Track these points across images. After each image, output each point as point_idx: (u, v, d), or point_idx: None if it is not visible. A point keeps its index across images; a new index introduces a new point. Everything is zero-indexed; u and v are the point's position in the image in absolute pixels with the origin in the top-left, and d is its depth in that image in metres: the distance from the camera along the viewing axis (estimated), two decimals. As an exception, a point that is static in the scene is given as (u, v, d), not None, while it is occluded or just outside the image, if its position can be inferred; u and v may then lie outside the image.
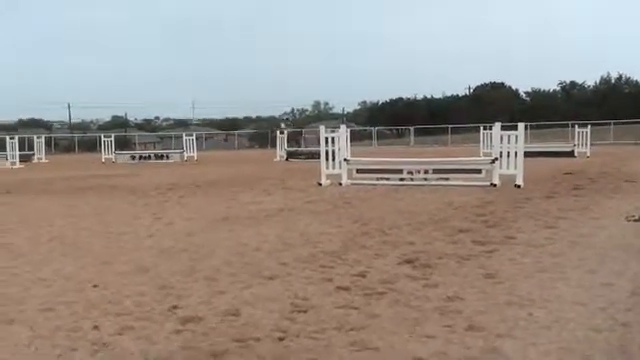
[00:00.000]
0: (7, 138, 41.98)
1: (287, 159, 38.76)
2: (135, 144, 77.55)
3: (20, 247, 10.17)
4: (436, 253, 8.72)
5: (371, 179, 19.28)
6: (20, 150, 41.98)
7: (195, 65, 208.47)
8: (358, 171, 19.88)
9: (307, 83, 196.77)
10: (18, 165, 38.38)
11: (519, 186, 17.62)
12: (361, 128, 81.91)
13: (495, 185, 17.84)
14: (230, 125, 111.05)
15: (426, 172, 19.08)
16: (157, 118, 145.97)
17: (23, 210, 15.27)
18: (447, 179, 18.55)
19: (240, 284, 7.24)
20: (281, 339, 5.35)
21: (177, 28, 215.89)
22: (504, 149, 18.89)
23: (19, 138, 43.36)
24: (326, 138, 20.36)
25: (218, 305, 6.39)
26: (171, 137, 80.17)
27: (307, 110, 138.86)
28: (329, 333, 5.45)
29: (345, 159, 19.79)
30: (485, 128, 39.05)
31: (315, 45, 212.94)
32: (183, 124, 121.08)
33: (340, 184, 19.01)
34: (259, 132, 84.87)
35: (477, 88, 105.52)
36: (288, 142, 44.49)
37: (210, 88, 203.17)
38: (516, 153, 18.54)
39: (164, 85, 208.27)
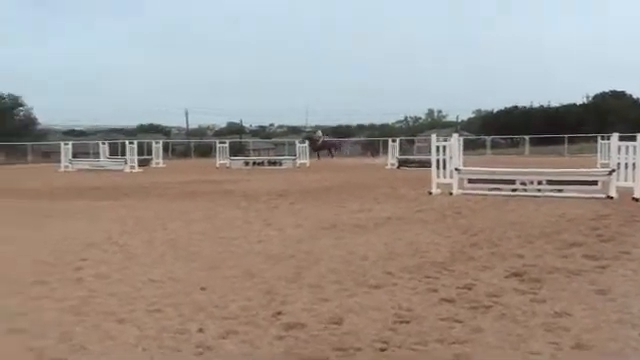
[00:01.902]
0: (127, 143, 43.14)
1: (398, 167, 38.59)
2: (249, 150, 78.49)
3: (135, 249, 10.47)
4: (546, 267, 8.55)
5: (482, 189, 19.02)
6: (139, 155, 43.10)
7: (310, 72, 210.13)
8: (469, 181, 19.63)
9: (420, 91, 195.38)
10: (137, 169, 39.36)
11: (637, 199, 17.09)
12: (475, 137, 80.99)
13: (612, 198, 17.35)
14: (343, 132, 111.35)
15: (539, 183, 18.69)
16: (272, 125, 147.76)
17: (140, 213, 15.67)
18: (561, 190, 18.14)
19: (345, 292, 7.27)
20: (382, 350, 5.35)
21: (292, 35, 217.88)
22: (622, 160, 18.35)
23: (138, 143, 44.53)
24: (437, 147, 20.21)
25: (322, 312, 6.43)
26: (284, 144, 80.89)
27: (420, 118, 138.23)
28: (431, 346, 5.42)
29: (456, 168, 19.60)
30: (603, 138, 38.05)
31: (428, 52, 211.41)
32: (297, 131, 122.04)
33: (451, 193, 18.83)
34: (371, 140, 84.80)
35: (596, 96, 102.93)
36: (400, 150, 44.34)
37: (324, 96, 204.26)
38: (634, 165, 18.00)
39: (279, 92, 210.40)
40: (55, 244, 11.02)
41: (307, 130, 79.32)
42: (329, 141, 56.67)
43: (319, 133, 52.64)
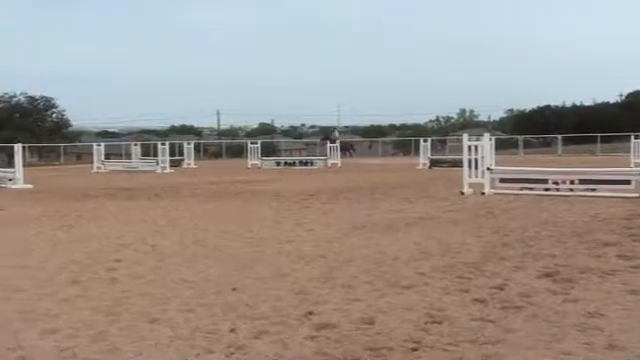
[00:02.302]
0: (159, 144, 43.40)
1: (430, 167, 38.49)
2: (281, 150, 78.57)
3: (167, 249, 10.55)
4: (578, 267, 8.48)
5: (514, 189, 18.89)
6: (171, 155, 43.33)
7: (340, 73, 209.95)
8: (501, 180, 19.53)
9: (453, 90, 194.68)
10: (168, 170, 39.56)
11: (671, 198, 16.91)
12: (507, 136, 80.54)
13: (645, 197, 17.18)
14: (375, 132, 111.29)
15: (572, 182, 18.53)
16: (303, 125, 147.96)
17: (171, 214, 15.76)
18: (594, 190, 17.97)
19: (376, 292, 7.27)
20: (414, 350, 5.34)
21: (322, 36, 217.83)
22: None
23: (170, 144, 44.78)
24: (469, 146, 20.13)
25: (353, 313, 6.43)
26: (316, 144, 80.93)
27: (452, 118, 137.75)
28: (463, 346, 5.40)
29: (488, 168, 19.50)
30: (637, 137, 37.73)
31: (461, 52, 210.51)
32: (328, 131, 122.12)
33: (483, 193, 18.74)
34: (403, 139, 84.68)
35: (630, 95, 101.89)
36: (432, 149, 44.19)
37: (356, 96, 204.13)
38: (668, 164, 17.81)
39: (310, 93, 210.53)
40: (88, 244, 11.12)
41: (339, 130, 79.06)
42: (346, 142, 56.47)
43: (336, 134, 52.21)
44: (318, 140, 49.97)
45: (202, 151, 69.61)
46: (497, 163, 21.23)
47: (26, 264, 9.44)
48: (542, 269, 8.37)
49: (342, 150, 49.07)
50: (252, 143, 47.36)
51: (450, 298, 6.97)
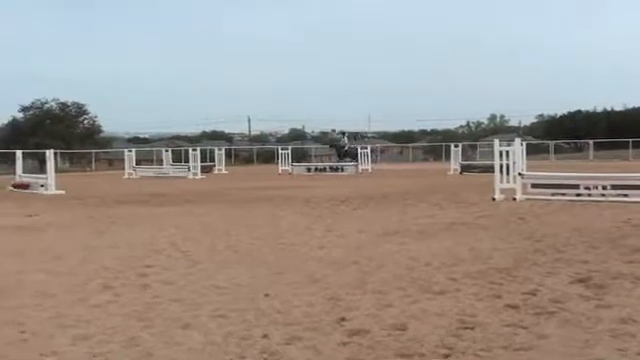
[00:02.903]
0: (190, 150, 43.60)
1: (461, 172, 38.37)
2: (311, 156, 78.60)
3: (198, 255, 10.58)
4: (611, 273, 8.41)
5: (546, 194, 18.77)
6: (202, 161, 43.53)
7: (371, 78, 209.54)
8: (533, 186, 19.41)
9: (483, 95, 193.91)
10: (199, 176, 39.72)
11: None
12: (538, 141, 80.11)
13: (679, 202, 17.00)
14: (405, 138, 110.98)
15: (604, 187, 18.39)
16: (333, 131, 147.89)
17: (203, 219, 15.82)
18: (626, 195, 17.83)
19: (408, 298, 7.24)
20: (446, 356, 5.31)
21: (353, 41, 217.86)
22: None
23: (201, 150, 44.98)
24: (500, 152, 20.04)
25: (385, 319, 6.42)
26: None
27: (483, 123, 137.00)
28: (496, 352, 5.37)
29: (519, 173, 19.39)
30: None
31: (490, 56, 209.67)
32: (333, 136, 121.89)
33: (514, 199, 18.63)
34: (434, 145, 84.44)
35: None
36: (463, 155, 44.02)
37: (385, 101, 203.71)
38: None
39: (341, 99, 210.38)
40: (120, 250, 11.19)
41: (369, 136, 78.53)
42: (354, 148, 56.15)
43: (345, 140, 51.63)
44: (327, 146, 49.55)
45: (233, 157, 69.84)
46: (528, 168, 21.08)
47: (58, 270, 9.51)
48: (574, 275, 8.31)
49: (347, 156, 48.89)
50: (283, 149, 47.48)
51: (482, 304, 6.93)
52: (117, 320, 6.64)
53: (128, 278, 8.77)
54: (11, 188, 29.52)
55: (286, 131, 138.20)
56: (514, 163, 19.64)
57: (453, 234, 12.30)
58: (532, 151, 49.86)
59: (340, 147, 49.76)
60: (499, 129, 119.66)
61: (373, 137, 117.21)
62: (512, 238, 11.61)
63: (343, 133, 54.42)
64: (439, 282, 8.05)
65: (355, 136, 58.63)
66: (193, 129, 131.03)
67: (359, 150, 46.85)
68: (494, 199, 18.95)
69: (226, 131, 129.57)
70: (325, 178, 37.00)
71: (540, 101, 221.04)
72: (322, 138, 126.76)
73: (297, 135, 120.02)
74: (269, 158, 68.39)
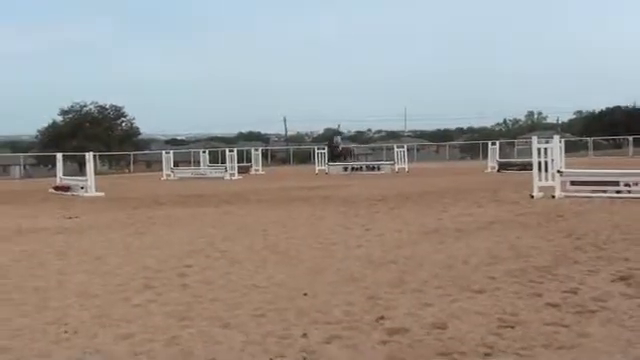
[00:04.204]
0: (227, 151, 43.80)
1: (499, 170, 38.13)
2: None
3: (237, 254, 10.63)
4: (653, 270, 8.33)
5: (586, 191, 18.60)
6: (239, 162, 43.71)
7: (407, 78, 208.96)
8: (572, 183, 19.24)
9: (520, 92, 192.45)
10: (236, 176, 39.88)
11: None
12: (576, 138, 79.40)
13: None
14: (442, 136, 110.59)
15: (645, 184, 18.19)
16: (369, 130, 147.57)
17: (241, 219, 15.89)
18: (667, 192, 17.62)
19: (447, 297, 7.23)
20: (487, 355, 5.29)
21: (387, 39, 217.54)
22: None
23: (238, 151, 45.19)
24: (538, 149, 19.91)
25: (425, 317, 6.41)
26: (382, 149, 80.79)
27: (520, 120, 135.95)
28: (537, 350, 5.34)
29: (558, 170, 19.24)
30: None
31: (529, 54, 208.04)
32: (395, 136, 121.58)
33: (553, 196, 18.48)
34: (471, 143, 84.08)
35: None
36: (500, 153, 43.77)
37: (422, 100, 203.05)
38: None
39: (376, 97, 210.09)
40: (160, 251, 11.27)
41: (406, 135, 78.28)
42: (346, 148, 55.93)
43: (338, 139, 51.60)
44: (325, 147, 49.46)
45: (269, 157, 70.01)
46: (567, 166, 20.94)
47: (100, 270, 9.61)
48: (616, 273, 8.23)
49: (341, 156, 48.89)
50: (319, 149, 47.46)
51: (522, 302, 6.90)
52: (158, 319, 6.70)
53: (168, 278, 8.84)
54: (52, 190, 29.84)
55: (321, 131, 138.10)
56: (553, 160, 19.52)
57: (492, 232, 12.24)
58: (570, 148, 49.51)
59: (334, 147, 49.77)
60: (536, 126, 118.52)
61: (409, 136, 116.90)
62: (552, 236, 11.53)
63: (339, 133, 54.59)
64: (478, 281, 8.02)
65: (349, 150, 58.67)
66: (229, 130, 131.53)
67: (355, 151, 47.05)
68: (533, 197, 18.82)
69: (262, 132, 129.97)
70: (362, 177, 36.97)
71: (578, 97, 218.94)
72: (358, 137, 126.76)
73: (333, 134, 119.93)
74: (305, 158, 68.40)
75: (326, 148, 48.70)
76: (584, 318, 6.24)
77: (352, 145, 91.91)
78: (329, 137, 55.35)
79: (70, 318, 6.84)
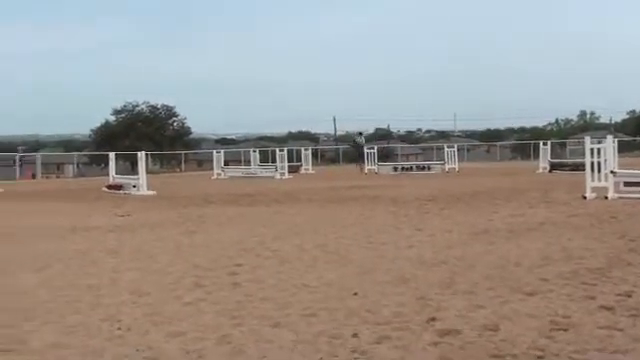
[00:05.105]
0: (277, 150, 43.93)
1: (550, 171, 37.72)
2: (397, 155, 78.32)
3: (287, 254, 10.66)
4: None
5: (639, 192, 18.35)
6: (288, 161, 43.78)
7: (457, 77, 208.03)
8: (625, 184, 18.97)
9: (572, 92, 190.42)
10: (287, 176, 39.98)
11: None
12: (630, 138, 78.26)
13: None
14: (492, 136, 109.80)
15: (701, 185, 17.89)
16: (419, 130, 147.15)
17: (291, 219, 15.93)
18: None
19: (499, 299, 7.17)
20: (539, 357, 5.25)
21: (439, 39, 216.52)
22: None
23: (288, 150, 45.29)
24: (591, 149, 19.67)
25: (476, 319, 6.37)
26: (433, 149, 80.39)
27: (572, 120, 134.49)
28: (590, 354, 5.28)
29: (611, 171, 18.99)
30: None
31: (581, 53, 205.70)
32: (445, 136, 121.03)
33: (606, 197, 18.24)
34: (521, 143, 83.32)
35: None
36: (552, 153, 43.28)
37: (472, 99, 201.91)
38: None
39: (426, 98, 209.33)
40: (210, 249, 11.34)
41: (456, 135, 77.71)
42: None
43: (362, 139, 50.40)
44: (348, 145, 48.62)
45: (319, 157, 70.08)
46: (620, 166, 20.65)
47: (152, 268, 9.70)
48: (672, 276, 8.12)
49: (363, 157, 48.47)
50: (369, 148, 47.32)
51: (575, 305, 6.82)
52: (209, 318, 6.75)
53: (219, 277, 8.89)
54: (105, 189, 30.19)
55: (371, 130, 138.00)
56: (605, 161, 19.26)
57: (543, 234, 12.12)
58: (624, 148, 48.77)
59: (359, 146, 49.26)
60: (589, 126, 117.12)
61: (459, 136, 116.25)
62: (605, 238, 11.39)
63: (360, 133, 53.90)
64: (530, 282, 7.95)
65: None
66: (279, 130, 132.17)
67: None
68: (585, 198, 18.59)
69: (312, 131, 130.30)
70: (411, 177, 36.81)
71: (632, 97, 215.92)
72: (408, 137, 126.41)
73: (382, 134, 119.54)
74: (355, 158, 68.34)
75: (354, 148, 48.20)
76: (639, 321, 6.15)
77: (400, 145, 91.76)
78: (353, 138, 54.39)
79: (123, 315, 6.92)
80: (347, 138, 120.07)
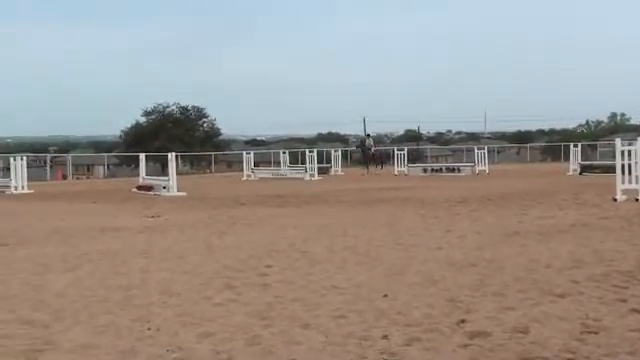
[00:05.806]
0: (307, 152, 44.01)
1: (581, 173, 37.47)
2: (427, 157, 78.21)
3: (317, 255, 10.68)
4: None
5: (672, 195, 18.19)
6: (318, 163, 43.83)
7: (486, 79, 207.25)
8: (657, 186, 18.83)
9: (603, 94, 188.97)
10: (316, 177, 40.01)
11: None
12: (662, 140, 77.65)
13: None
14: (522, 138, 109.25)
15: None
16: (449, 131, 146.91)
17: (320, 220, 15.94)
18: None
19: (529, 301, 7.15)
20: (570, 360, 5.23)
21: (465, 42, 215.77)
22: None
23: (318, 151, 45.36)
24: (622, 151, 19.52)
25: (506, 321, 6.36)
26: (462, 150, 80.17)
27: (603, 122, 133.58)
28: (621, 357, 5.26)
29: (643, 173, 18.85)
30: None
31: (609, 53, 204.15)
32: (474, 137, 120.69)
33: (637, 200, 18.11)
34: (552, 145, 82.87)
35: None
36: (582, 155, 42.99)
37: (502, 101, 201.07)
38: None
39: (456, 100, 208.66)
40: (240, 250, 11.38)
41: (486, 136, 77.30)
42: (379, 150, 54.21)
43: (371, 141, 50.14)
44: (354, 147, 48.30)
45: (349, 158, 70.02)
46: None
47: (182, 269, 9.75)
48: None
49: (373, 159, 48.21)
50: (398, 150, 47.27)
51: (606, 308, 6.79)
52: (239, 319, 6.78)
53: (249, 278, 8.93)
54: (135, 190, 30.39)
55: (401, 132, 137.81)
56: (636, 163, 19.12)
57: (574, 236, 12.06)
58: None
59: (367, 149, 49.12)
60: (619, 128, 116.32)
61: (489, 137, 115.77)
62: (636, 240, 11.31)
63: (368, 135, 53.73)
64: (561, 285, 7.92)
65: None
66: (309, 131, 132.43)
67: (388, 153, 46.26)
68: (615, 200, 18.47)
69: (341, 133, 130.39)
70: (441, 179, 36.69)
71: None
72: (438, 139, 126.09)
73: (412, 136, 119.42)
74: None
75: (361, 150, 48.17)
76: (670, 325, 6.11)
77: (429, 146, 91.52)
78: (361, 140, 54.13)
79: (153, 316, 6.97)
80: (377, 139, 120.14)
